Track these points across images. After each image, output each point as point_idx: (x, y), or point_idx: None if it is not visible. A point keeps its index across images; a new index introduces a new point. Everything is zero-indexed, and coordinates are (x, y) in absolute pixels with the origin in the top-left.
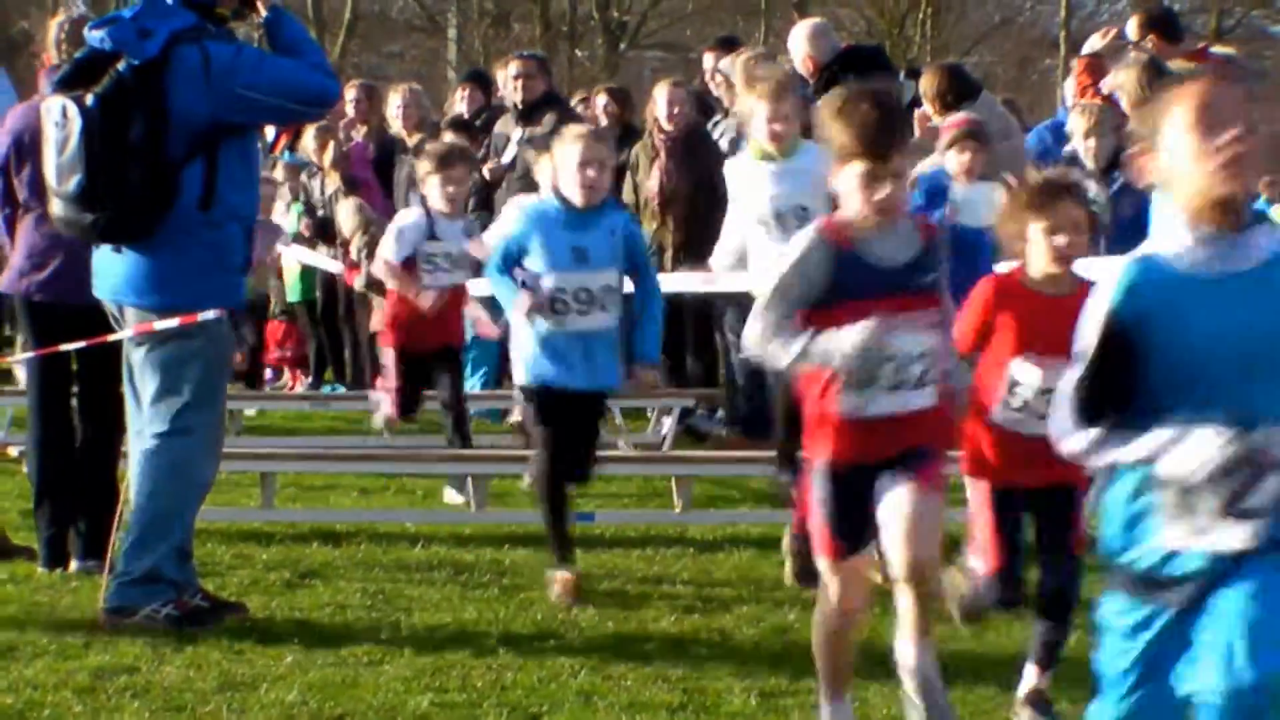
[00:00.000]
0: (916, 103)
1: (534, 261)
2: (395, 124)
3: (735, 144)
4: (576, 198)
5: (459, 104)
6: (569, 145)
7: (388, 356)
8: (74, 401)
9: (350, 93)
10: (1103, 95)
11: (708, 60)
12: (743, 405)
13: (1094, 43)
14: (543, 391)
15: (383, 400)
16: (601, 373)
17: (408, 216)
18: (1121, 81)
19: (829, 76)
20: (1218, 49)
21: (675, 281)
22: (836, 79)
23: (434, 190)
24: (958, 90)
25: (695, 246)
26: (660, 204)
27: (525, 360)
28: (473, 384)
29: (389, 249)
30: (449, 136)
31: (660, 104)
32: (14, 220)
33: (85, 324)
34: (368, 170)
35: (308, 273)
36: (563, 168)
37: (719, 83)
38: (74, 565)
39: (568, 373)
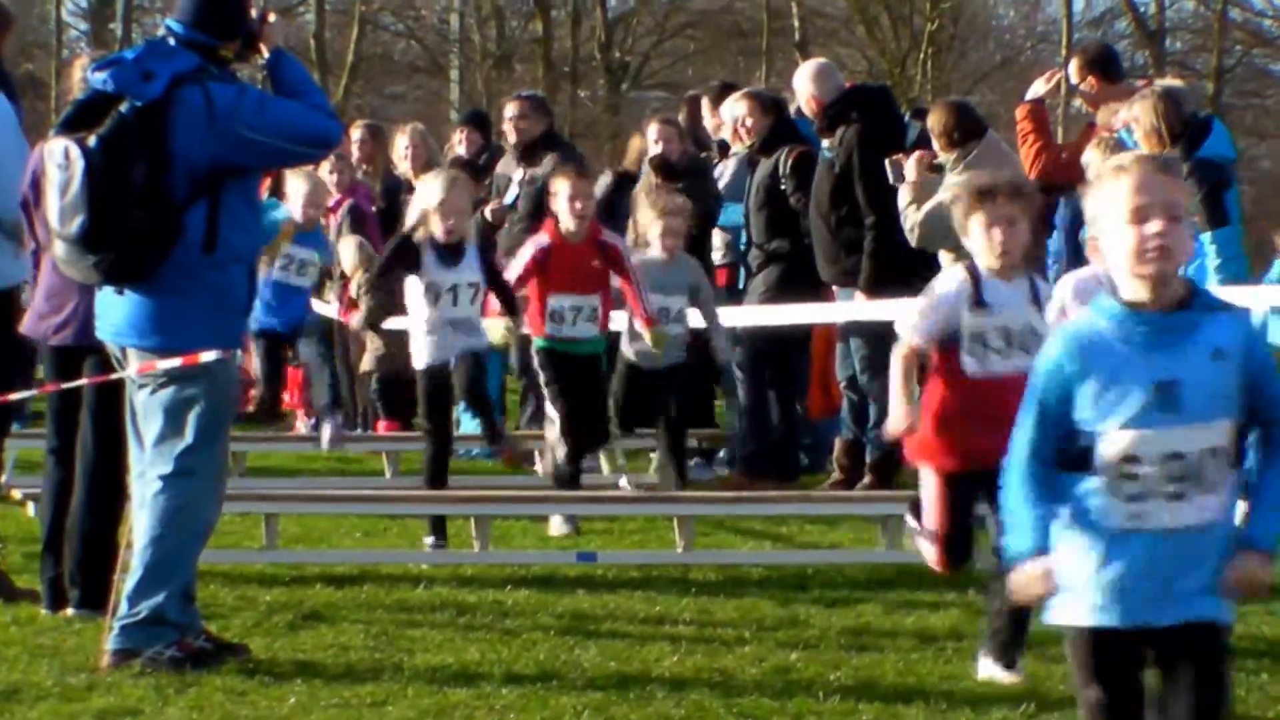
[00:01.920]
0: (922, 142)
1: (1087, 412)
2: (403, 165)
3: (733, 184)
4: (1143, 285)
5: (458, 146)
6: (1110, 182)
7: (928, 484)
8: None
9: (355, 133)
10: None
11: (706, 105)
12: (746, 445)
13: (1037, 88)
14: (1107, 639)
15: (920, 543)
16: (1203, 597)
17: (948, 282)
18: (1136, 115)
19: (833, 116)
20: (1162, 81)
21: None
22: (841, 119)
23: (978, 231)
24: (965, 128)
25: None
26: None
27: (1074, 590)
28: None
29: (912, 327)
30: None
31: (648, 140)
32: (39, 259)
33: (106, 366)
34: (371, 209)
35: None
36: (1110, 228)
37: (718, 126)
38: (70, 611)
39: (1151, 600)
